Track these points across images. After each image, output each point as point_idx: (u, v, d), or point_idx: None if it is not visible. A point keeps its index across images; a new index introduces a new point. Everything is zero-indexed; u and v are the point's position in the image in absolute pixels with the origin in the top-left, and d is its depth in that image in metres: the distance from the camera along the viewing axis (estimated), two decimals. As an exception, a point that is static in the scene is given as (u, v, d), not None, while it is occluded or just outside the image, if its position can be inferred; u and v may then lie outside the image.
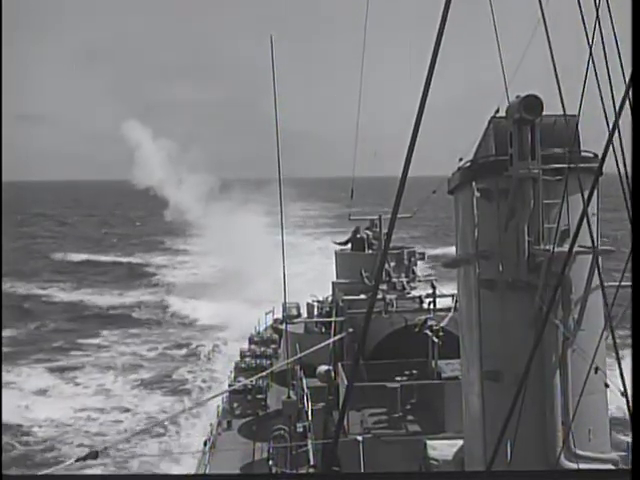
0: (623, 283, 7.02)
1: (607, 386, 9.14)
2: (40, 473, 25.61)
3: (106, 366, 43.41)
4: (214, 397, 22.80)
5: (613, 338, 7.19)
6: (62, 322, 56.59)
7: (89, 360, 45.02)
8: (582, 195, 7.82)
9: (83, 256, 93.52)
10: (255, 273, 57.72)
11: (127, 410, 36.26)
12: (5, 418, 32.84)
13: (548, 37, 6.97)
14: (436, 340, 18.06)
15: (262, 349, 29.91)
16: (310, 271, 59.42)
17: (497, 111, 9.59)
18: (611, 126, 5.67)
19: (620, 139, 5.63)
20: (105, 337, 51.06)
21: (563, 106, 7.27)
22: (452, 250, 10.99)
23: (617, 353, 6.51)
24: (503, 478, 3.81)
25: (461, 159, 10.13)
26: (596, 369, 8.53)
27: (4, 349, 43.75)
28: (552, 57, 6.94)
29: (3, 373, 39.02)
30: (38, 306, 62.88)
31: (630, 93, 5.12)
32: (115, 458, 28.43)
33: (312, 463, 17.28)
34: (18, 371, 42.27)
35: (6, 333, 49.64)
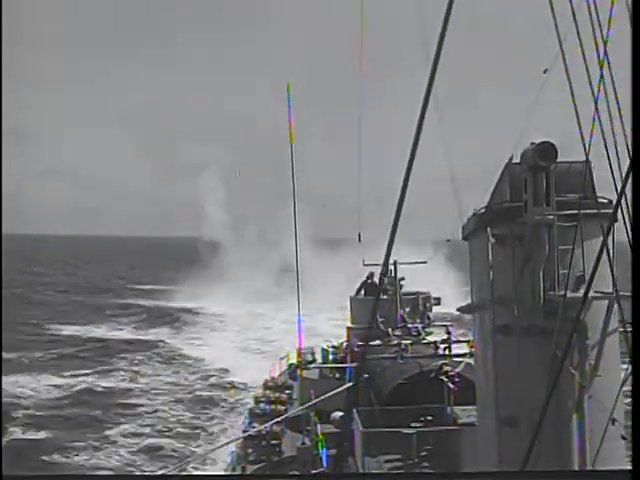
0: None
1: (624, 438, 8.98)
2: (40, 473, 25.84)
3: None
4: (228, 443, 22.67)
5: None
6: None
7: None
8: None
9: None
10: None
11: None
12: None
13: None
14: (452, 386, 17.97)
15: (276, 395, 29.73)
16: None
17: (511, 159, 9.70)
18: (624, 171, 5.75)
19: None
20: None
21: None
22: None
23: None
24: (503, 478, 3.82)
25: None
26: (613, 421, 8.47)
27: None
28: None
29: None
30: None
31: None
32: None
33: None
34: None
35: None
